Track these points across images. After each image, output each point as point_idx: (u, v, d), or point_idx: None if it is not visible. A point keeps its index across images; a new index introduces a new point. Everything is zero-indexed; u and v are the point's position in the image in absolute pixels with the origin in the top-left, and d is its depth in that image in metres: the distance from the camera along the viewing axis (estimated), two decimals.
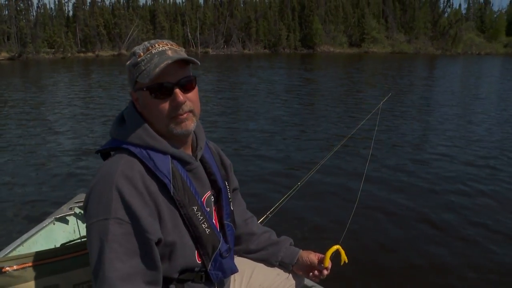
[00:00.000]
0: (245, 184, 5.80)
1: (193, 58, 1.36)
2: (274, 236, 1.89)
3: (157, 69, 1.27)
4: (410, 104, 14.23)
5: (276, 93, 17.44)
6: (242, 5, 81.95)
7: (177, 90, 1.33)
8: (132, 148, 1.33)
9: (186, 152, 1.46)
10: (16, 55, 53.66)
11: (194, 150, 1.52)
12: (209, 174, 1.55)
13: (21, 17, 59.03)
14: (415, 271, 3.82)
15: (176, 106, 1.34)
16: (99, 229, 1.23)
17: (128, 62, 1.37)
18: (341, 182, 6.09)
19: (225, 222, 1.58)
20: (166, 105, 1.34)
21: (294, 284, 1.84)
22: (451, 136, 9.31)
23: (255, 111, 12.96)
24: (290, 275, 1.83)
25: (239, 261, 1.74)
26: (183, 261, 1.39)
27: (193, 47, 70.19)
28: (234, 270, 1.56)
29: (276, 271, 1.83)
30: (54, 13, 67.49)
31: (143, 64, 1.32)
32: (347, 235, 2.03)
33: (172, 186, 1.33)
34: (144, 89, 1.33)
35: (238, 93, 17.75)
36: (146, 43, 1.39)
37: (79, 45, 63.22)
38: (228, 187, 1.64)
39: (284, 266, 1.82)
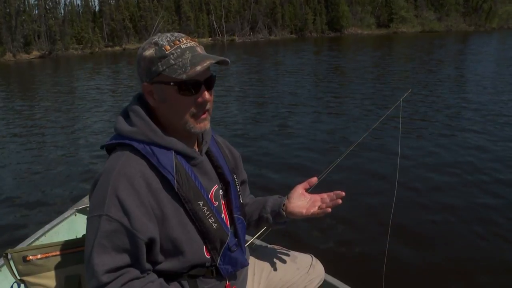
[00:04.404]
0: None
1: (227, 59, 1.37)
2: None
3: (199, 67, 1.28)
4: (445, 88, 13.76)
5: (304, 79, 17.26)
6: None
7: (204, 88, 1.36)
8: (136, 144, 1.34)
9: (192, 147, 1.47)
10: (46, 52, 54.75)
11: (200, 144, 1.52)
12: (216, 167, 1.55)
13: (50, 15, 60.22)
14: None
15: (203, 104, 1.36)
16: (93, 224, 1.28)
17: (150, 52, 1.33)
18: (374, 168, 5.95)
19: (235, 215, 1.57)
20: (191, 103, 1.34)
21: (314, 279, 1.84)
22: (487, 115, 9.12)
23: (279, 101, 13.03)
24: (310, 269, 1.83)
25: (259, 256, 1.83)
26: (191, 256, 1.40)
27: (219, 36, 70.29)
28: (244, 263, 1.55)
29: (296, 265, 1.84)
30: (81, 10, 68.60)
31: (172, 58, 1.30)
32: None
33: (176, 181, 1.33)
34: (172, 83, 1.31)
35: (263, 80, 17.62)
36: (169, 35, 1.36)
37: (106, 40, 64.16)
38: (236, 180, 1.63)
39: (278, 216, 1.71)
